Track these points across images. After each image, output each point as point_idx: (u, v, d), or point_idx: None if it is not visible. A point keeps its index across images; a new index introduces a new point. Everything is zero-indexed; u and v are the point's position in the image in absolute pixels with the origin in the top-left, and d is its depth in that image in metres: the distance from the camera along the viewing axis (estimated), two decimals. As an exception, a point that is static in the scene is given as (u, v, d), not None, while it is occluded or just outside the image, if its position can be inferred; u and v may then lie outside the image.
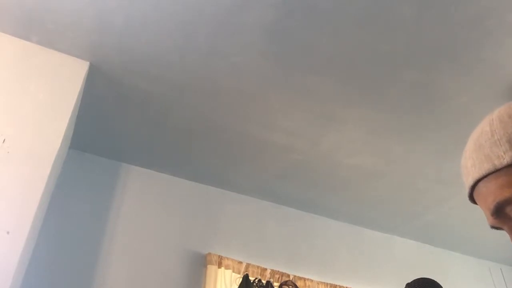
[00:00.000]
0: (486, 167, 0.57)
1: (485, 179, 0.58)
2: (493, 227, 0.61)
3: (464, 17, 1.95)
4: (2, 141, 1.97)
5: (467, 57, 2.15)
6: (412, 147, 2.80)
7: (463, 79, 2.28)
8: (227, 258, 2.98)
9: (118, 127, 2.84)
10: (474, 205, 0.64)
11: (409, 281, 1.95)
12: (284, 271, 3.10)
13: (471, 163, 0.60)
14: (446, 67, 2.22)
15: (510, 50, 2.10)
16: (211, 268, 2.89)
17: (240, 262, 3.00)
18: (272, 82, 2.40)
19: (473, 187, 0.60)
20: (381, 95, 2.43)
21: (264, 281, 2.99)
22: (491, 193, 0.57)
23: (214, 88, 2.47)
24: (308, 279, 3.15)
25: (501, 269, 4.00)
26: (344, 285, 3.26)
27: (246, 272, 2.97)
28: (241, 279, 2.93)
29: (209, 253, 2.97)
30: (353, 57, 2.21)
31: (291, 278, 3.08)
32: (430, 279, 1.92)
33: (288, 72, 2.33)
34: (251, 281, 2.95)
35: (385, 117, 2.58)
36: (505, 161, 0.55)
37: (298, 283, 3.08)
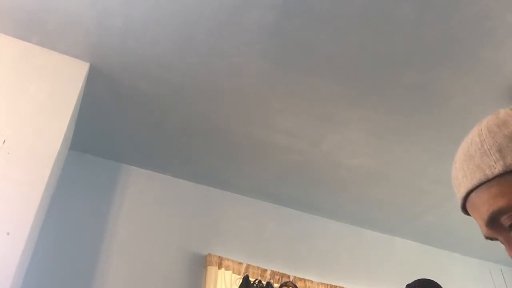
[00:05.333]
0: (477, 177, 0.57)
1: (477, 189, 0.57)
2: (487, 237, 0.61)
3: (464, 18, 1.95)
4: (2, 142, 1.97)
5: (467, 57, 2.15)
6: (412, 147, 2.80)
7: (463, 80, 2.28)
8: (227, 259, 2.98)
9: (118, 128, 2.84)
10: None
11: (409, 282, 1.95)
12: (284, 272, 3.10)
13: (462, 174, 0.60)
14: (446, 68, 2.22)
15: (510, 51, 2.10)
16: (211, 269, 2.89)
17: (240, 263, 3.00)
18: (272, 82, 2.40)
19: (466, 198, 0.60)
20: (381, 95, 2.43)
21: (264, 282, 2.99)
22: (484, 203, 0.57)
23: (214, 89, 2.47)
24: (308, 280, 3.15)
25: (501, 270, 4.00)
26: (344, 286, 3.26)
27: (246, 273, 2.97)
28: (241, 280, 2.93)
29: (209, 254, 2.97)
30: (353, 58, 2.21)
31: (291, 279, 3.08)
32: (430, 280, 1.92)
33: (288, 72, 2.33)
34: (251, 282, 2.95)
35: (385, 117, 2.58)
36: (496, 170, 0.55)
37: (298, 284, 3.08)
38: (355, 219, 3.63)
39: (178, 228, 3.10)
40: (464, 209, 0.62)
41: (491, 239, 0.61)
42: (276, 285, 3.02)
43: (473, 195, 0.58)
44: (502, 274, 3.96)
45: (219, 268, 2.92)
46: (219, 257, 2.96)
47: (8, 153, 1.96)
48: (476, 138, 0.59)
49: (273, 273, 3.05)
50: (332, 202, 3.43)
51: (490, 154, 0.56)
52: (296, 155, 2.95)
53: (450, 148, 2.74)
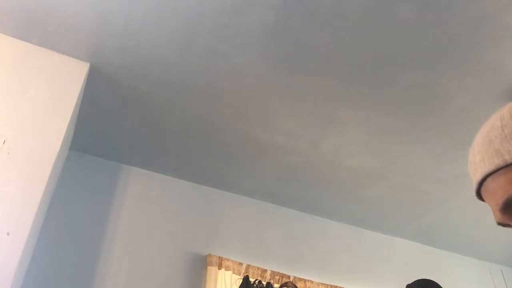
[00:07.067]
0: (496, 162, 0.56)
1: (494, 174, 0.57)
2: (499, 223, 0.60)
3: (464, 18, 1.95)
4: (2, 142, 1.97)
5: (467, 58, 2.15)
6: (412, 148, 2.80)
7: (463, 80, 2.28)
8: (227, 260, 2.98)
9: (118, 128, 2.84)
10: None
11: (409, 282, 1.95)
12: (284, 272, 3.10)
13: (480, 158, 0.59)
14: (446, 68, 2.22)
15: (510, 52, 2.10)
16: (211, 270, 2.89)
17: (240, 264, 3.00)
18: (272, 83, 2.40)
19: (481, 183, 0.59)
20: (381, 96, 2.43)
21: (264, 283, 2.99)
22: (500, 188, 0.56)
23: (214, 90, 2.47)
24: (308, 280, 3.15)
25: (501, 270, 4.00)
26: (345, 286, 3.26)
27: (246, 274, 2.97)
28: (241, 281, 2.93)
29: (209, 255, 2.97)
30: (353, 58, 2.21)
31: (291, 279, 3.08)
32: (430, 280, 1.92)
33: (289, 73, 2.33)
34: (251, 283, 2.95)
35: (385, 118, 2.58)
36: None
37: (299, 285, 3.08)
38: (355, 219, 3.63)
39: (178, 228, 3.10)
40: (479, 194, 0.62)
41: (503, 225, 0.60)
42: (276, 285, 3.02)
43: (489, 179, 0.58)
44: (502, 274, 3.96)
45: (219, 268, 2.92)
46: (219, 257, 2.96)
47: (8, 153, 1.96)
48: (498, 123, 0.58)
49: (273, 274, 3.05)
50: (332, 202, 3.43)
51: (511, 139, 0.55)
52: (296, 155, 2.95)
53: (450, 149, 2.75)
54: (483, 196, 0.61)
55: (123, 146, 3.02)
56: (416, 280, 1.93)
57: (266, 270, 3.05)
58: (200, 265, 2.98)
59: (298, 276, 3.12)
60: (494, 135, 0.58)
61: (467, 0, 1.86)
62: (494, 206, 0.59)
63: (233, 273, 2.96)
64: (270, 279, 3.02)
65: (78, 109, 2.49)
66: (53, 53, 2.30)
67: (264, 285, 2.98)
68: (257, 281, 2.97)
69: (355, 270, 3.48)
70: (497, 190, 0.57)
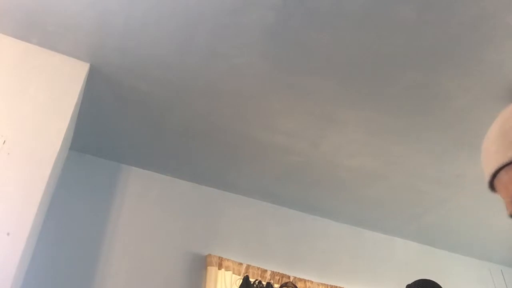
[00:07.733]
0: (509, 155, 0.56)
1: (508, 166, 0.57)
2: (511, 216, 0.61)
3: (464, 18, 1.95)
4: (2, 142, 1.97)
5: (467, 58, 2.15)
6: (412, 148, 2.80)
7: (463, 81, 2.28)
8: (227, 260, 2.98)
9: (118, 128, 2.84)
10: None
11: (409, 282, 1.95)
12: (284, 273, 3.10)
13: (495, 149, 0.59)
14: (446, 68, 2.22)
15: (510, 52, 2.10)
16: (211, 270, 2.89)
17: (240, 264, 3.00)
18: (272, 83, 2.40)
19: (495, 175, 0.59)
20: (381, 96, 2.43)
21: (264, 283, 2.99)
22: None
23: (214, 90, 2.47)
24: (308, 280, 3.14)
25: (501, 270, 3.99)
26: (345, 287, 3.26)
27: (246, 274, 2.97)
28: (241, 281, 2.93)
29: (209, 255, 2.97)
30: (353, 58, 2.21)
31: (291, 279, 3.08)
32: (431, 280, 1.92)
33: (289, 73, 2.33)
34: (251, 283, 2.94)
35: (385, 118, 2.58)
36: None
37: (299, 285, 3.08)
38: (355, 219, 3.63)
39: (178, 228, 3.10)
40: (491, 185, 0.61)
41: None
42: (276, 285, 3.02)
43: (502, 172, 0.58)
44: (502, 274, 3.96)
45: (219, 268, 2.92)
46: (219, 257, 2.96)
47: (8, 153, 1.96)
48: None
49: (273, 274, 3.05)
50: (332, 202, 3.43)
51: None
52: (296, 155, 2.95)
53: (450, 149, 2.75)
54: (496, 188, 0.61)
55: (123, 146, 3.02)
56: (416, 280, 1.93)
57: (266, 270, 3.05)
58: (200, 265, 2.98)
59: (298, 276, 3.12)
60: (509, 127, 0.58)
61: (467, 0, 1.87)
62: (506, 198, 0.59)
63: (233, 273, 2.96)
64: (270, 279, 3.02)
65: (78, 109, 2.49)
66: (53, 53, 2.30)
67: (264, 285, 2.97)
68: (257, 281, 2.97)
69: (355, 270, 3.48)
70: (509, 182, 0.57)
